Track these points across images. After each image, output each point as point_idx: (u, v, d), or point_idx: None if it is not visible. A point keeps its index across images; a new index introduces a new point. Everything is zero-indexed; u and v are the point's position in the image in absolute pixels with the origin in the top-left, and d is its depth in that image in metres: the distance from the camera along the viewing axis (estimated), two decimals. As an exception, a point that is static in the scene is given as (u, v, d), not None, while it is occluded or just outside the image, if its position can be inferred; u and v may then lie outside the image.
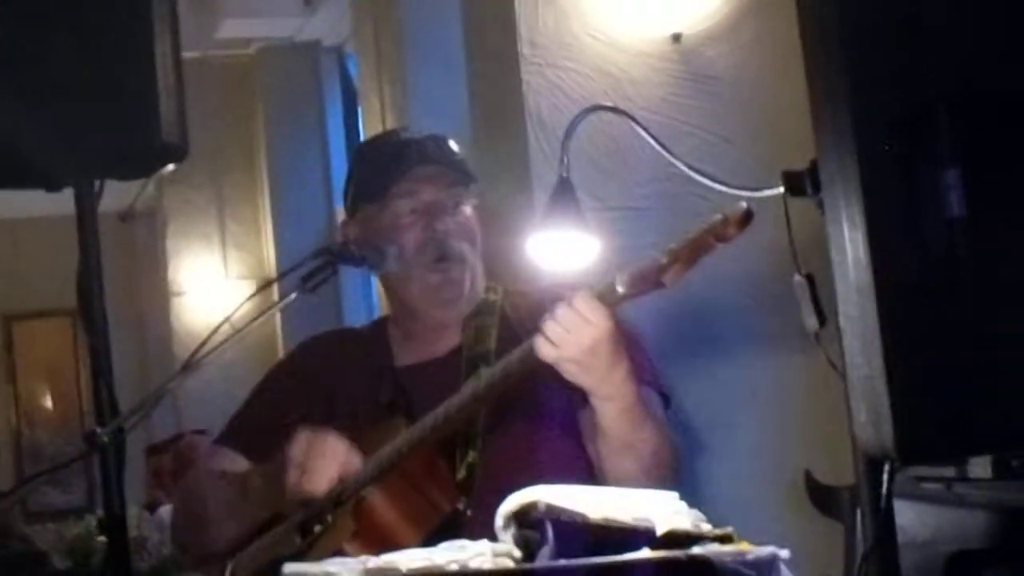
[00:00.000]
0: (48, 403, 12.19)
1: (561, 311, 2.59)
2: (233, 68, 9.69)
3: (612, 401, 2.72)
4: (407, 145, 3.12)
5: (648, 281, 2.51)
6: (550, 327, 2.60)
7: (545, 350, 2.61)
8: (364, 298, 8.35)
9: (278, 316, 8.59)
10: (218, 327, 2.97)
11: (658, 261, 2.48)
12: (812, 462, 3.66)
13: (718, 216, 2.41)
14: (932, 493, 2.97)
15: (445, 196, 3.04)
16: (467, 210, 3.06)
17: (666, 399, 3.04)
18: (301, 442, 2.82)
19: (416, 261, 3.02)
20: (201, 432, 7.90)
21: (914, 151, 2.03)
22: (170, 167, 3.29)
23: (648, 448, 2.78)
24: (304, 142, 9.33)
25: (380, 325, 3.25)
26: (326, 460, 2.79)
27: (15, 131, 3.15)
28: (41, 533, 8.08)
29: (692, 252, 2.45)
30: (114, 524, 3.12)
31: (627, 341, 2.80)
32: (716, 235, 2.42)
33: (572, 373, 2.65)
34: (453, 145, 3.12)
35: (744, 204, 2.40)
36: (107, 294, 3.37)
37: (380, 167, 3.10)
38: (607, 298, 2.58)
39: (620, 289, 2.56)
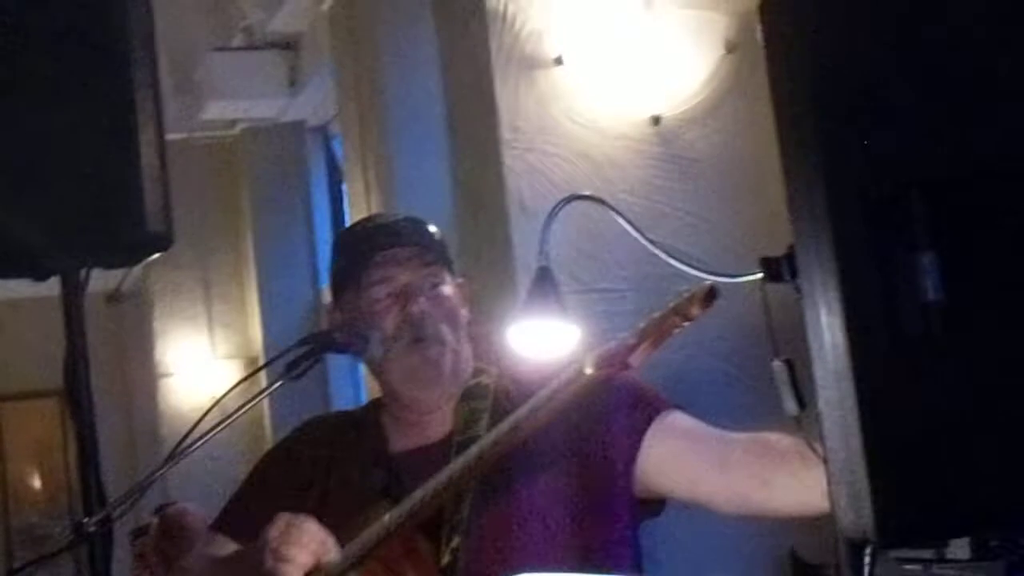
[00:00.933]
0: (37, 483, 12.15)
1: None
2: (218, 149, 9.73)
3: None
4: (380, 229, 3.13)
5: (615, 362, 2.54)
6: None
7: None
8: (351, 379, 8.36)
9: (266, 405, 8.60)
10: (205, 414, 2.98)
11: (625, 342, 2.51)
12: (800, 539, 3.66)
13: (682, 295, 2.45)
14: (913, 575, 2.98)
15: (420, 277, 3.03)
16: (446, 290, 3.06)
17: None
18: (279, 526, 2.81)
19: (394, 344, 3.02)
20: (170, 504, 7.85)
21: (890, 235, 2.05)
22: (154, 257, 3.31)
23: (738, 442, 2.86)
24: (290, 222, 9.36)
25: (374, 408, 3.23)
26: (301, 547, 2.78)
27: None
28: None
29: (658, 332, 2.48)
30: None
31: (635, 386, 2.89)
32: (681, 315, 2.45)
33: None
34: (430, 227, 3.13)
35: (708, 283, 2.44)
36: (94, 376, 3.37)
37: (355, 253, 3.10)
38: (575, 381, 2.60)
39: (588, 371, 2.58)
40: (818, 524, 3.56)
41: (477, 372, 3.10)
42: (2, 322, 11.43)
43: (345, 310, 3.10)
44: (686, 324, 2.45)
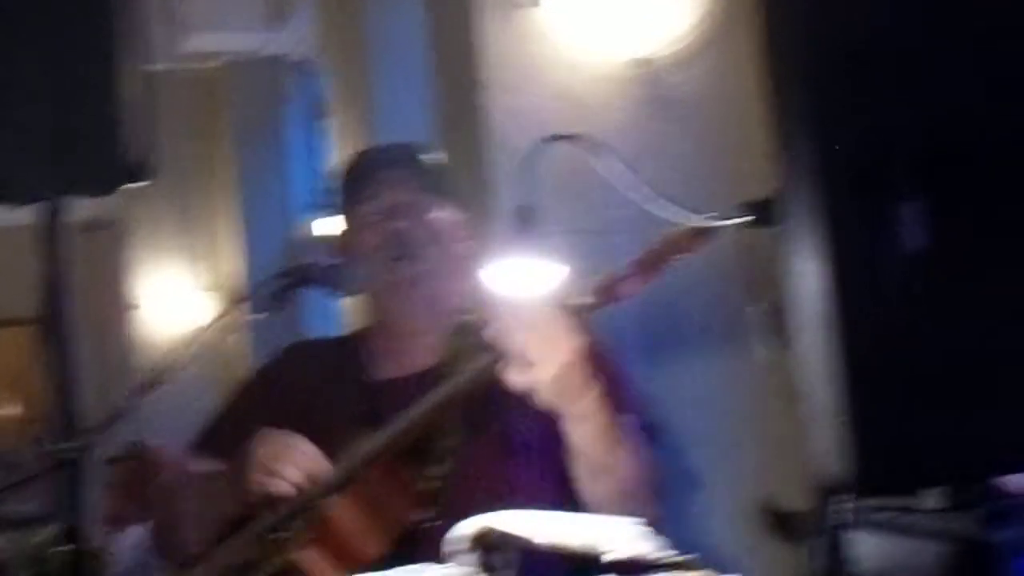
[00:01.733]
0: (12, 411, 12.12)
1: (526, 338, 2.62)
2: (200, 82, 9.66)
3: (586, 422, 2.72)
4: (378, 153, 3.18)
5: (607, 293, 2.55)
6: (516, 352, 2.62)
7: (515, 378, 2.62)
8: (327, 310, 8.33)
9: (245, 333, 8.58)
10: (187, 343, 2.97)
11: (617, 273, 2.52)
12: (776, 487, 3.67)
13: (678, 230, 2.45)
14: (885, 523, 2.99)
15: (408, 199, 3.05)
16: (438, 216, 3.07)
17: (655, 430, 3.04)
18: (268, 442, 2.82)
19: (376, 260, 3.02)
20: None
21: (875, 184, 2.05)
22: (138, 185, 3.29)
23: (624, 471, 2.78)
24: (269, 156, 9.32)
25: (357, 337, 3.24)
26: (293, 463, 2.79)
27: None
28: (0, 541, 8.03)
29: (652, 263, 2.51)
30: (75, 539, 3.11)
31: (610, 370, 2.84)
32: (675, 249, 2.46)
33: (545, 395, 2.66)
34: (432, 156, 3.13)
35: (703, 219, 2.44)
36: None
37: (349, 178, 3.14)
38: (568, 312, 2.62)
39: (578, 302, 2.61)
40: (794, 472, 3.58)
41: (467, 310, 3.10)
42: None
43: (341, 236, 3.11)
44: (679, 258, 2.46)
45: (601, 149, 2.72)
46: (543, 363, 2.61)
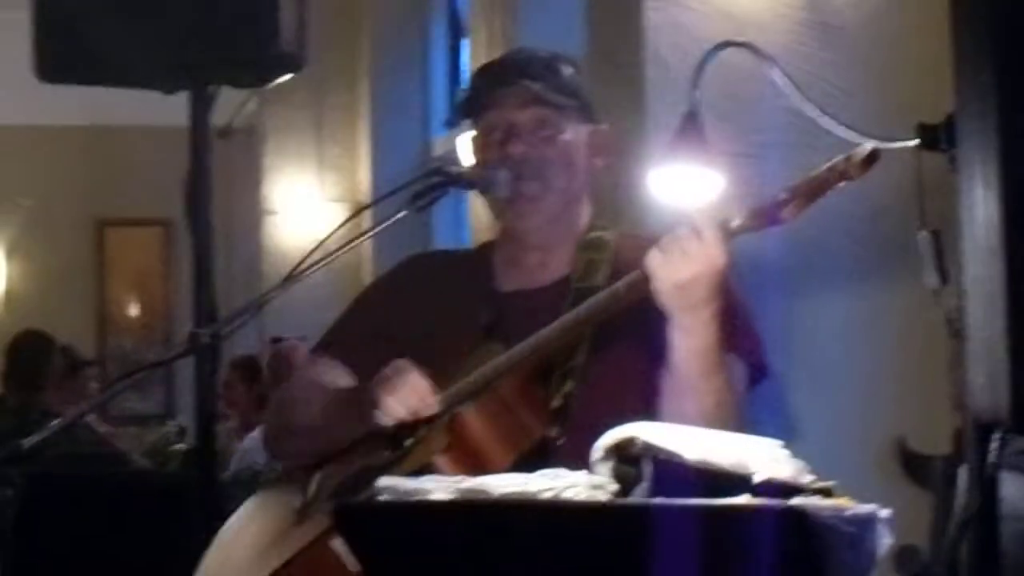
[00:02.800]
0: (134, 311, 12.27)
1: (685, 233, 2.60)
2: (342, -9, 9.69)
3: (691, 337, 2.70)
4: (506, 66, 3.10)
5: (765, 216, 2.53)
6: (668, 244, 2.61)
7: (656, 263, 2.62)
8: (455, 224, 8.34)
9: (367, 242, 8.60)
10: (319, 244, 2.97)
11: (776, 196, 2.49)
12: (906, 427, 3.62)
13: (842, 155, 2.40)
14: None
15: (529, 118, 2.98)
16: (564, 134, 3.00)
17: (762, 372, 3.00)
18: (387, 372, 2.81)
19: (499, 175, 3.00)
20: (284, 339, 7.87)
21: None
22: (286, 77, 3.28)
23: (711, 400, 2.75)
24: (407, 69, 9.31)
25: (486, 249, 3.22)
26: (400, 396, 2.78)
27: (134, 32, 3.15)
28: (121, 436, 8.13)
29: (813, 189, 2.47)
30: (204, 428, 3.13)
31: (735, 307, 2.80)
32: (839, 173, 2.42)
33: (668, 295, 2.65)
34: (565, 67, 3.06)
35: (869, 144, 2.39)
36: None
37: (477, 88, 3.10)
38: (723, 231, 2.59)
39: (735, 222, 2.58)
40: (930, 414, 3.52)
41: (597, 227, 3.07)
42: (113, 148, 11.50)
43: (473, 143, 3.09)
44: (841, 184, 2.42)
45: (768, 62, 2.66)
46: (685, 262, 2.60)
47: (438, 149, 8.70)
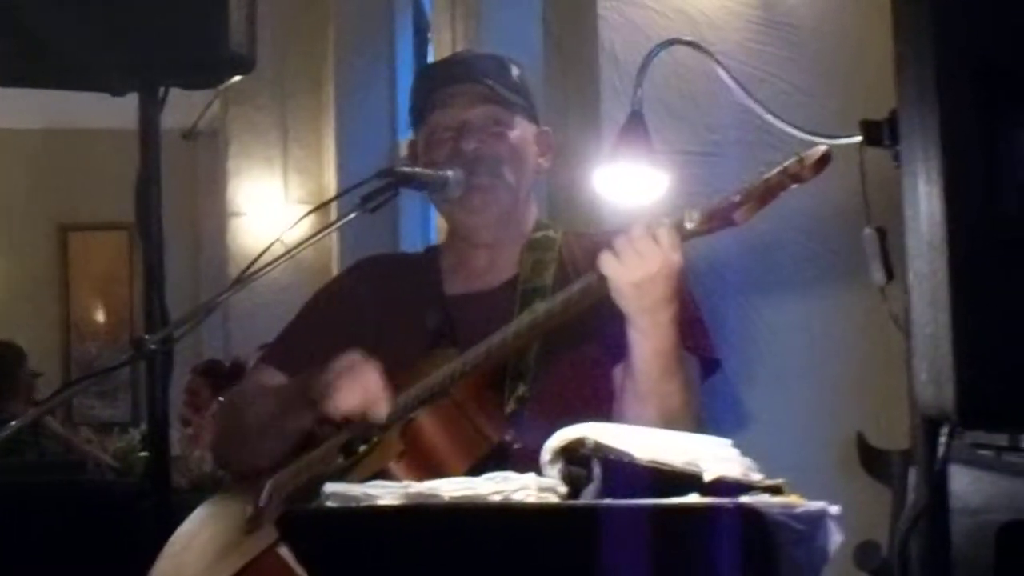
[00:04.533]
0: (100, 316, 12.24)
1: (638, 234, 2.59)
2: (306, -8, 9.68)
3: (650, 339, 2.70)
4: (453, 64, 3.14)
5: (719, 218, 2.52)
6: (622, 245, 2.60)
7: (611, 266, 2.60)
8: (422, 227, 8.33)
9: (334, 241, 8.60)
10: (271, 244, 2.97)
11: (730, 199, 2.49)
12: (864, 423, 3.62)
13: (794, 157, 2.40)
14: (987, 460, 2.92)
15: (480, 116, 3.00)
16: (513, 132, 3.02)
17: (714, 365, 3.00)
18: (341, 361, 2.79)
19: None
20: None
21: (997, 107, 1.98)
22: (236, 79, 3.27)
23: (672, 402, 2.76)
24: (372, 71, 9.31)
25: (433, 252, 3.23)
26: (352, 387, 2.76)
27: (83, 34, 3.14)
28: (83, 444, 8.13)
29: (766, 192, 2.47)
30: (157, 433, 3.12)
31: (685, 302, 2.79)
32: (791, 175, 2.43)
33: (625, 297, 2.64)
34: (512, 67, 3.07)
35: (823, 147, 2.41)
36: (165, 211, 3.37)
37: (426, 86, 3.10)
38: (677, 232, 2.59)
39: (689, 224, 2.57)
40: (889, 409, 3.52)
41: (542, 226, 3.08)
42: (76, 152, 11.46)
43: (419, 144, 3.08)
44: (795, 186, 2.43)
45: (716, 62, 2.66)
46: (640, 264, 2.59)
47: (405, 150, 8.66)
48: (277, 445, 2.94)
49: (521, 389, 2.84)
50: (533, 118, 3.07)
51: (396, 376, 2.82)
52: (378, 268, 3.26)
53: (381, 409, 2.76)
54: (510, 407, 2.83)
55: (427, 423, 2.72)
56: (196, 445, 7.41)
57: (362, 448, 2.80)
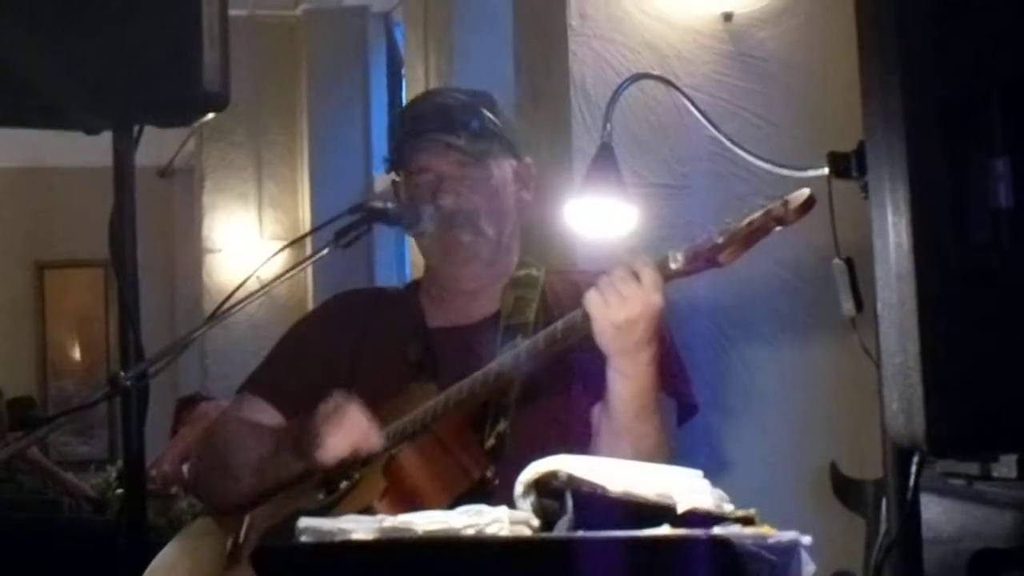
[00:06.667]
0: (76, 354, 12.19)
1: (622, 274, 2.60)
2: (279, 29, 9.69)
3: (628, 380, 2.71)
4: (430, 112, 3.08)
5: (703, 259, 2.53)
6: (607, 285, 2.61)
7: (595, 305, 2.61)
8: (397, 263, 8.34)
9: (309, 277, 8.60)
10: (246, 280, 2.97)
11: (713, 240, 2.49)
12: (838, 452, 3.64)
13: (779, 200, 2.42)
14: (959, 489, 2.94)
15: (456, 168, 3.00)
16: (491, 180, 3.02)
17: (691, 411, 3.02)
18: (325, 410, 2.79)
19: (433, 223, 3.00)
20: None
21: (964, 138, 2.00)
22: (210, 116, 3.28)
23: (647, 443, 2.77)
24: (346, 107, 9.32)
25: (414, 287, 3.23)
26: (342, 434, 2.77)
27: (56, 73, 3.14)
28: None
29: (750, 235, 2.48)
30: (133, 469, 3.11)
31: (667, 346, 2.82)
32: (775, 218, 2.45)
33: (606, 337, 2.64)
34: (487, 107, 3.07)
35: (807, 190, 2.43)
36: (141, 248, 3.37)
37: (404, 134, 3.09)
38: (660, 273, 2.60)
39: (673, 266, 2.58)
40: (863, 439, 3.54)
41: (526, 264, 3.08)
42: (52, 189, 11.44)
43: (401, 185, 3.09)
44: (778, 229, 2.44)
45: (684, 96, 2.68)
46: (623, 305, 2.60)
47: (379, 186, 8.69)
48: (262, 487, 2.93)
49: (502, 425, 2.85)
50: (513, 153, 3.08)
51: (376, 407, 2.82)
52: (358, 299, 3.27)
53: (374, 445, 2.77)
54: (490, 443, 2.84)
55: (410, 460, 2.73)
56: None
57: (343, 485, 2.80)
